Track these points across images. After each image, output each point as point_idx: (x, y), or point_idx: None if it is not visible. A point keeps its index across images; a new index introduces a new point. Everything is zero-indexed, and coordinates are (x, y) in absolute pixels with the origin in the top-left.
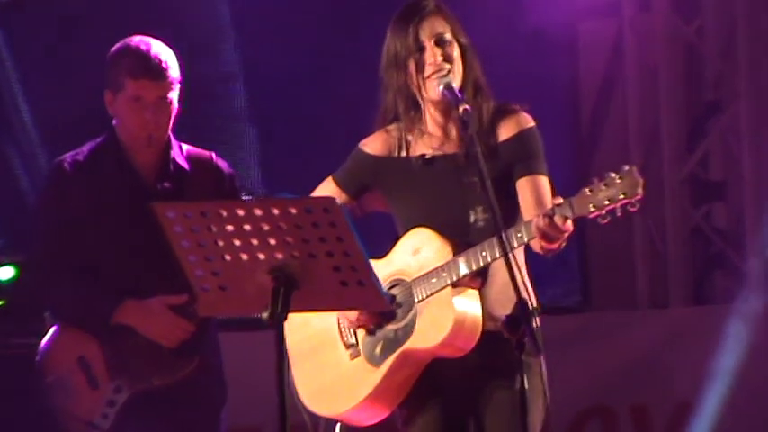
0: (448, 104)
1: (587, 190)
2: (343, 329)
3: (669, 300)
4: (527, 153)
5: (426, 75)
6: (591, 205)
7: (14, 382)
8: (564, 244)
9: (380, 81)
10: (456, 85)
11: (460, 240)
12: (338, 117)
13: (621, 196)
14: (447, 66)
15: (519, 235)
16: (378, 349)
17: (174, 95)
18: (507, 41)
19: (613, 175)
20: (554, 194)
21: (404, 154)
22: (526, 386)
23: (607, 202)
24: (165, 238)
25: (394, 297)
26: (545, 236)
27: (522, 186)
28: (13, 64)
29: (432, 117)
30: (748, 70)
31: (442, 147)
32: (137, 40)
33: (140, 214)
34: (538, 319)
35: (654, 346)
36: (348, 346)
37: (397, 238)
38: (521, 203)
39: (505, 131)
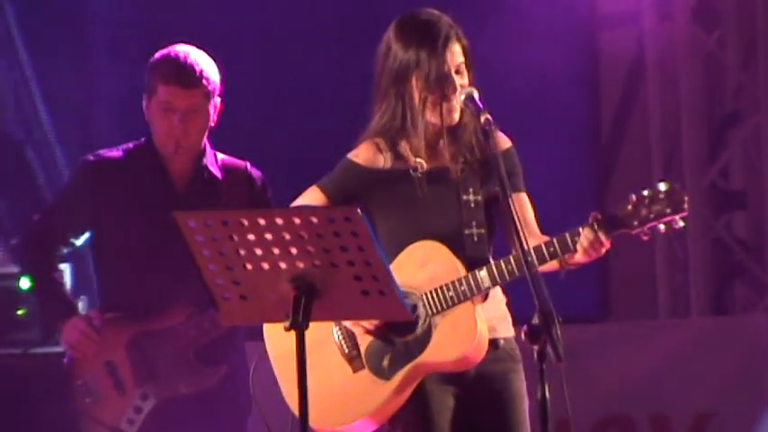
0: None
1: (629, 206)
2: (342, 341)
3: (690, 310)
4: (510, 171)
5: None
6: (635, 221)
7: (38, 391)
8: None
9: (378, 88)
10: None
11: (460, 252)
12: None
13: (668, 211)
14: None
15: (552, 249)
16: (385, 362)
17: (208, 106)
18: (527, 51)
19: (653, 190)
20: (535, 211)
21: (396, 166)
22: (547, 395)
23: (652, 217)
24: (186, 247)
25: (415, 307)
26: (586, 251)
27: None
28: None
29: (424, 133)
30: None
31: (434, 161)
32: (178, 47)
33: (167, 221)
34: (558, 327)
35: (674, 355)
36: (350, 359)
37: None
38: (503, 221)
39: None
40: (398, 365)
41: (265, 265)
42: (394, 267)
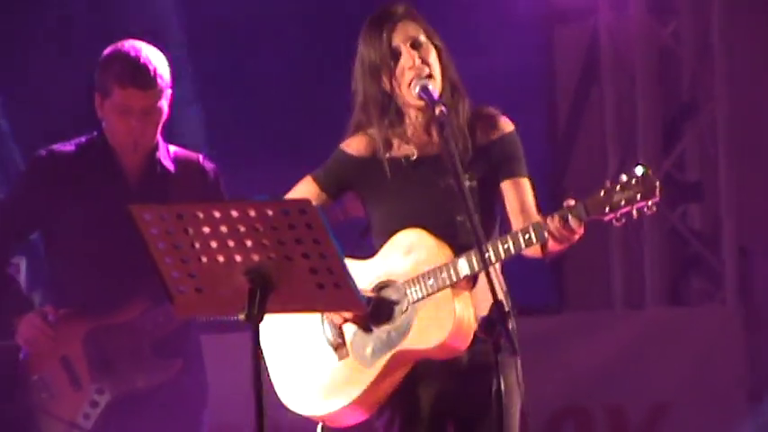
0: (427, 106)
1: (602, 192)
2: (328, 330)
3: (645, 300)
4: (509, 156)
5: (408, 79)
6: (606, 207)
7: None
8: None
9: (353, 91)
10: (437, 87)
11: (449, 241)
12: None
13: (639, 197)
14: (426, 68)
15: (527, 236)
16: (368, 350)
17: (163, 102)
18: (482, 43)
19: (627, 176)
20: (535, 196)
21: (388, 155)
22: (502, 387)
23: (624, 204)
24: (141, 240)
25: (370, 300)
26: (557, 238)
27: (506, 189)
28: None
29: (413, 121)
30: (724, 71)
31: (426, 149)
32: (128, 45)
33: (121, 215)
34: (513, 320)
35: (629, 346)
36: (336, 347)
37: (365, 238)
38: (507, 206)
39: (488, 134)
40: (380, 353)
41: (220, 258)
42: (380, 256)
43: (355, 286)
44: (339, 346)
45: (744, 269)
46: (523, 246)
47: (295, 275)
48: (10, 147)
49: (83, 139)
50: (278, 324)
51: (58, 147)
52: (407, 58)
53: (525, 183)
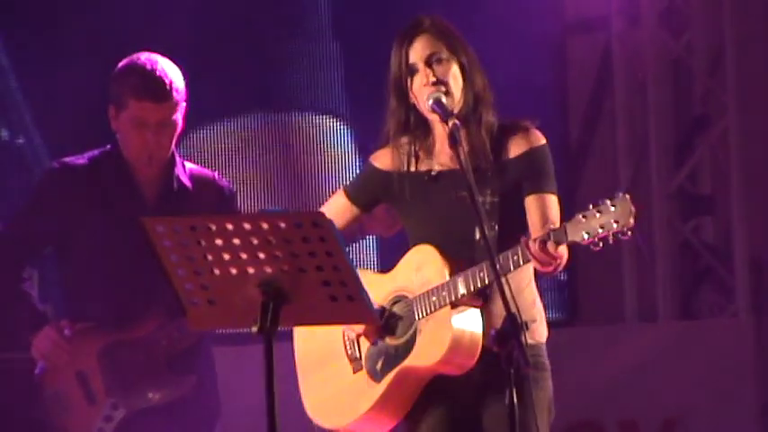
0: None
1: (581, 216)
2: (347, 342)
3: (657, 314)
4: (536, 171)
5: (424, 96)
6: (584, 232)
7: (4, 395)
8: (560, 268)
9: (387, 94)
10: (454, 102)
11: (466, 257)
12: None
13: (614, 224)
14: (442, 87)
15: (515, 258)
16: (379, 364)
17: (177, 116)
18: (495, 55)
19: (608, 202)
20: (562, 214)
21: (412, 169)
22: (515, 400)
23: (600, 230)
24: (154, 253)
25: (383, 311)
26: (537, 260)
27: (530, 205)
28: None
29: (439, 135)
30: (736, 84)
31: (449, 163)
32: (143, 57)
33: (136, 229)
34: (529, 333)
35: (642, 360)
36: (352, 360)
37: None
38: (528, 222)
39: (515, 148)
40: (388, 368)
41: (233, 270)
42: (396, 270)
43: (368, 299)
44: (355, 358)
45: (756, 282)
46: (512, 267)
47: (308, 288)
48: (43, 159)
49: (96, 152)
50: (308, 334)
51: (70, 159)
52: (422, 75)
53: (550, 199)
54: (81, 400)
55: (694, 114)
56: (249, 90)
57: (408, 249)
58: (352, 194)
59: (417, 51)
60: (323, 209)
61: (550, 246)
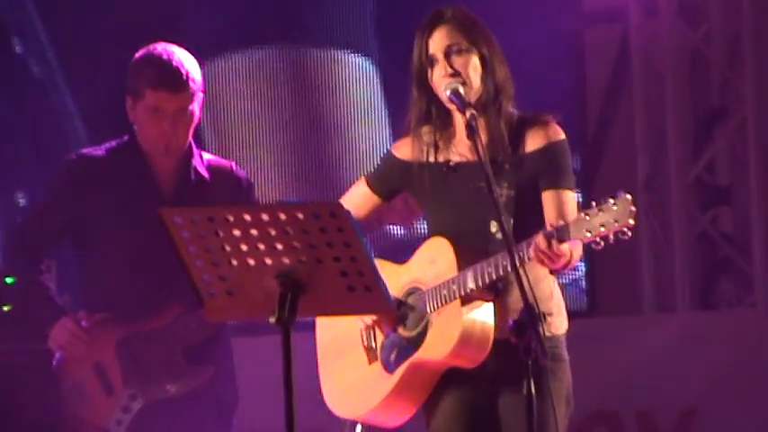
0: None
1: (584, 214)
2: (364, 332)
3: (675, 304)
4: (554, 166)
5: (442, 87)
6: (586, 230)
7: (23, 386)
8: (569, 266)
9: (412, 83)
10: (472, 92)
11: (482, 250)
12: None
13: (614, 223)
14: (460, 78)
15: (521, 254)
16: (393, 356)
17: (194, 106)
18: (512, 46)
19: (610, 201)
20: (580, 206)
21: (431, 159)
22: (533, 391)
23: (601, 228)
24: (172, 245)
25: (401, 302)
26: (540, 257)
27: (546, 200)
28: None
29: (460, 125)
30: (754, 75)
31: (468, 154)
32: (160, 48)
33: (154, 220)
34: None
35: (660, 350)
36: (368, 350)
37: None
38: (545, 217)
39: (533, 142)
40: (401, 360)
41: (251, 261)
42: (412, 262)
43: (386, 289)
44: (371, 349)
45: None
46: (501, 273)
47: (326, 278)
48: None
49: (113, 143)
50: (329, 323)
51: (88, 151)
52: (441, 67)
53: (567, 195)
54: (99, 391)
55: (712, 105)
56: (271, 22)
57: (425, 240)
58: (372, 184)
59: (436, 42)
60: (344, 197)
61: (554, 243)
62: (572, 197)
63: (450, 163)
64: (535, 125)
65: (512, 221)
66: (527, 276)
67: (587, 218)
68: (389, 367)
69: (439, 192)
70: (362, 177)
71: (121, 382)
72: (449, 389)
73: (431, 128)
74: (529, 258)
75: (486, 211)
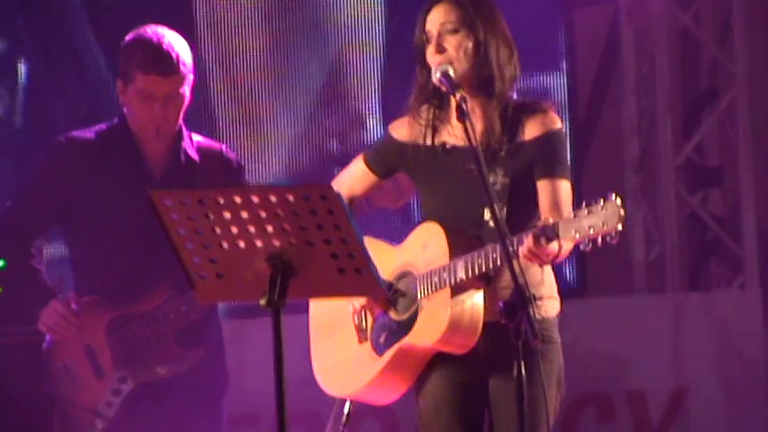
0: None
1: (573, 214)
2: (355, 311)
3: (665, 285)
4: (549, 155)
5: (432, 65)
6: (574, 230)
7: (13, 369)
8: (558, 261)
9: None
10: (458, 74)
11: (475, 236)
12: None
13: (602, 226)
14: (447, 58)
15: (512, 247)
16: (382, 338)
17: (185, 89)
18: None
19: (599, 203)
20: (574, 200)
21: (428, 141)
22: (523, 373)
23: (590, 231)
24: (162, 227)
25: (391, 285)
26: (527, 255)
27: (541, 189)
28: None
29: (453, 106)
30: (745, 56)
31: (464, 137)
32: (150, 31)
33: (144, 203)
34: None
35: (650, 331)
36: (359, 330)
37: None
38: (540, 206)
39: (530, 130)
40: (390, 343)
41: (241, 244)
42: (405, 244)
43: (376, 272)
44: (361, 329)
45: (764, 254)
46: (490, 264)
47: (316, 261)
48: None
49: (103, 126)
50: (322, 303)
51: (77, 133)
52: (431, 44)
53: (562, 184)
54: (89, 373)
55: (702, 86)
56: None
57: (420, 222)
58: (370, 161)
59: (433, 19)
60: (343, 173)
61: (543, 242)
62: (567, 187)
63: (447, 145)
64: (533, 113)
65: (505, 209)
66: (519, 261)
67: (575, 218)
68: (379, 349)
69: (433, 175)
70: (361, 154)
71: (111, 364)
72: (439, 370)
73: (428, 108)
74: (514, 255)
75: (478, 197)
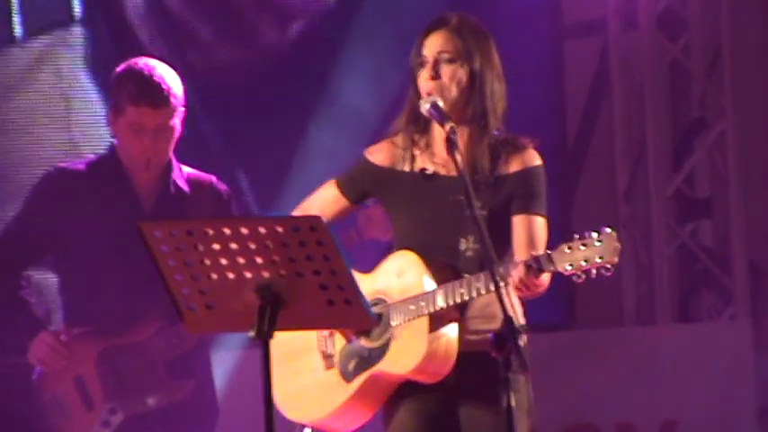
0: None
1: (566, 246)
2: (321, 337)
3: (655, 317)
4: (527, 191)
5: (422, 92)
6: (568, 263)
7: (3, 401)
8: (537, 294)
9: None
10: (447, 105)
11: (450, 266)
12: None
13: (598, 259)
14: (437, 88)
15: (497, 278)
16: (351, 365)
17: (176, 121)
18: None
19: (594, 235)
20: (550, 237)
21: (406, 168)
22: (513, 404)
23: (584, 263)
24: (151, 259)
25: (380, 316)
26: (518, 286)
27: (517, 224)
28: None
29: (436, 132)
30: (734, 87)
31: (444, 167)
32: (141, 63)
33: (134, 234)
34: (525, 336)
35: (640, 363)
36: (325, 356)
37: (390, 250)
38: (513, 241)
39: (511, 165)
40: (359, 371)
41: (231, 275)
42: (378, 272)
43: (366, 302)
44: (328, 355)
45: (754, 285)
46: (491, 288)
47: (305, 292)
48: None
49: (93, 157)
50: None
51: (67, 164)
52: (425, 70)
53: (538, 221)
54: (79, 404)
55: (692, 117)
56: None
57: (393, 250)
58: (343, 186)
59: (431, 45)
60: (311, 198)
61: (534, 272)
62: (542, 224)
63: (427, 171)
64: (513, 148)
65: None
66: (507, 293)
67: (569, 251)
68: (347, 376)
69: (410, 201)
70: (333, 179)
71: (101, 395)
72: (408, 401)
73: (409, 133)
74: (506, 283)
75: (456, 227)
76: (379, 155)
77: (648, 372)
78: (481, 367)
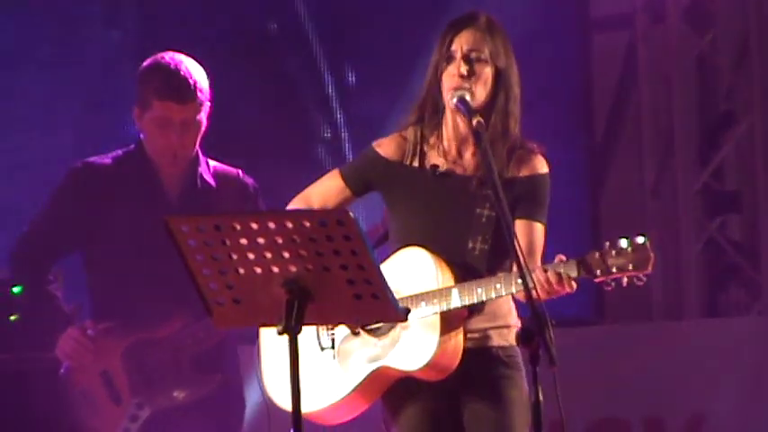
0: (463, 120)
1: (597, 254)
2: (320, 330)
3: (683, 312)
4: (532, 197)
5: (448, 86)
6: (598, 270)
7: (31, 396)
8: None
9: (420, 87)
10: (474, 103)
11: (456, 264)
12: None
13: (631, 268)
14: (466, 85)
15: (518, 281)
16: (353, 358)
17: (202, 116)
18: (520, 53)
19: (626, 244)
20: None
21: (416, 163)
22: (541, 398)
23: (615, 271)
24: (179, 253)
25: (408, 310)
26: (545, 290)
27: (518, 228)
28: None
29: (449, 128)
30: (761, 80)
31: (455, 165)
32: (168, 57)
33: (160, 229)
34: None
35: (668, 358)
36: (323, 348)
37: (382, 243)
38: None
39: (518, 170)
40: (363, 365)
41: (258, 270)
42: (385, 267)
43: (393, 297)
44: (327, 348)
45: None
46: (513, 290)
47: (333, 287)
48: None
49: (119, 152)
50: None
51: (94, 159)
52: (455, 65)
53: (538, 228)
54: (106, 399)
55: (719, 111)
56: None
57: (392, 241)
58: (347, 177)
59: (461, 42)
60: (313, 188)
61: (560, 277)
62: (541, 231)
63: (439, 169)
64: (523, 153)
65: (489, 242)
66: (536, 288)
67: (599, 257)
68: (348, 369)
69: (419, 197)
70: (336, 169)
71: (128, 390)
72: (412, 397)
73: (421, 128)
74: (519, 289)
75: (465, 227)
76: (388, 148)
77: (676, 366)
78: (483, 364)
